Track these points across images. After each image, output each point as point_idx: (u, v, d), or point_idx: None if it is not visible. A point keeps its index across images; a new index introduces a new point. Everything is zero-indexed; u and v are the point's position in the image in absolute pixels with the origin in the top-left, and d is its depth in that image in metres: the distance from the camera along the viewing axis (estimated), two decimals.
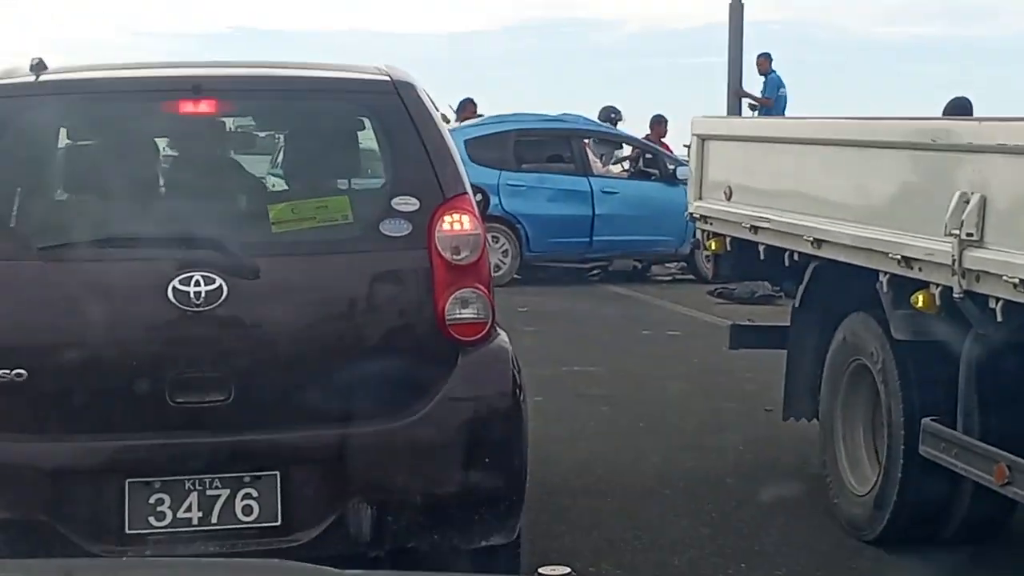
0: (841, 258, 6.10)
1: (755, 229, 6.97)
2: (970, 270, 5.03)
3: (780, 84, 19.64)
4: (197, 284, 4.97)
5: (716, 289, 14.80)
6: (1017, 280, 4.74)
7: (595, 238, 16.39)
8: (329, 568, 2.19)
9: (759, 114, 19.24)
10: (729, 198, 7.33)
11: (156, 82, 5.96)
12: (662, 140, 18.92)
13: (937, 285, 5.32)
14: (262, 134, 7.21)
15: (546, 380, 9.83)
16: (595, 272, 17.28)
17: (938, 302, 5.36)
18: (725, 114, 17.76)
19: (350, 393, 5.10)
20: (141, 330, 5.13)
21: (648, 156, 17.44)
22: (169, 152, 6.41)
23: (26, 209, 5.38)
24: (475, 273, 5.29)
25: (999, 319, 4.99)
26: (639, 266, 17.27)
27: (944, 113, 10.73)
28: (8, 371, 4.93)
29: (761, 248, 7.00)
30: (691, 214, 8.09)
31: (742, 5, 19.49)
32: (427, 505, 5.18)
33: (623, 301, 15.18)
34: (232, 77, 6.05)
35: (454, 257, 5.18)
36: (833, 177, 6.35)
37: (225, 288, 4.99)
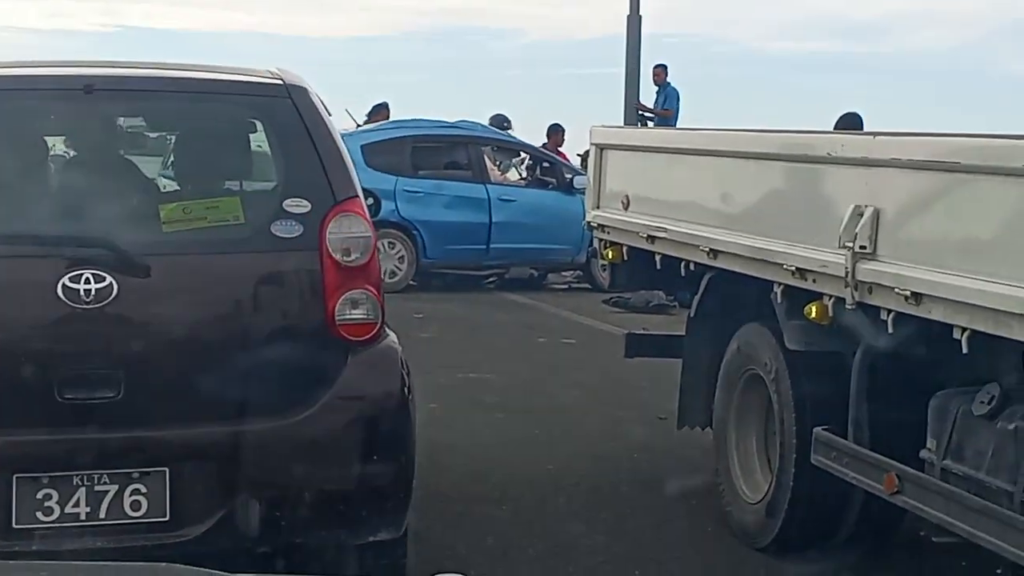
0: (736, 268, 6.15)
1: (652, 239, 6.98)
2: (863, 282, 5.10)
3: (678, 96, 19.80)
4: (87, 282, 4.97)
5: (611, 298, 14.86)
6: (909, 292, 4.81)
7: (492, 245, 16.37)
8: (217, 572, 2.14)
9: (655, 125, 19.33)
10: (626, 208, 7.34)
11: (47, 80, 5.93)
12: (559, 149, 18.92)
13: (830, 296, 5.38)
14: (154, 135, 7.15)
15: (441, 387, 9.84)
16: (491, 279, 17.26)
17: (831, 313, 5.42)
18: (623, 124, 17.90)
19: (240, 391, 5.14)
20: (30, 327, 5.15)
21: (545, 165, 17.47)
22: (61, 151, 6.44)
23: None
24: (365, 275, 5.35)
25: (890, 330, 5.06)
26: (535, 274, 17.27)
27: (836, 127, 10.86)
28: None
29: (658, 258, 7.02)
30: (588, 223, 8.07)
31: (640, 18, 19.63)
32: (315, 501, 5.22)
33: (519, 309, 15.20)
34: (124, 77, 6.00)
35: (344, 259, 5.26)
36: (730, 188, 6.41)
37: (115, 286, 5.00)
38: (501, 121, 19.55)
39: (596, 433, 8.70)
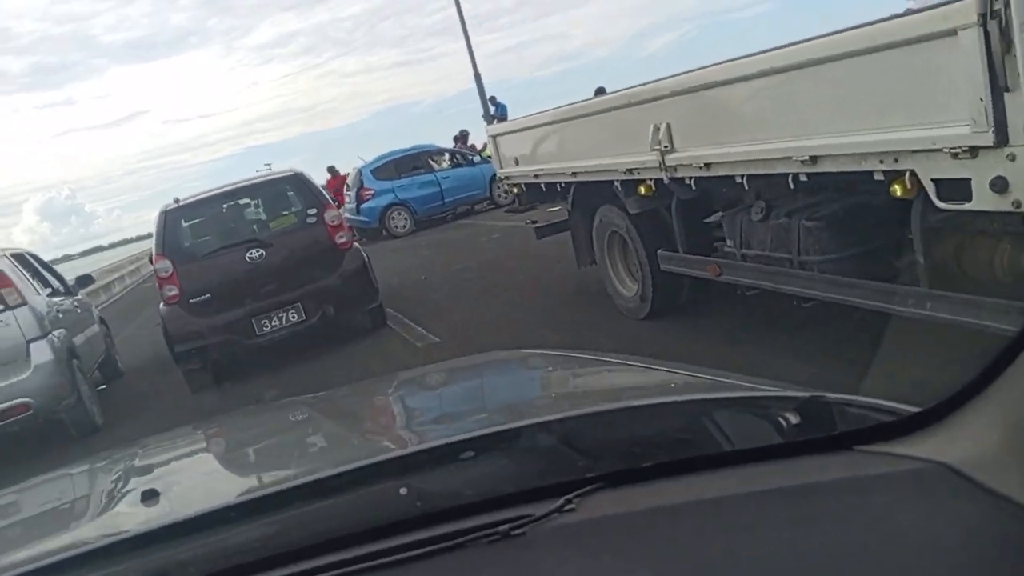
0: (590, 179, 5.02)
1: (536, 176, 5.83)
2: (670, 166, 4.02)
3: (504, 106, 17.94)
4: (255, 251, 6.39)
5: (508, 209, 13.64)
6: (702, 164, 3.75)
7: (445, 200, 14.95)
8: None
9: (496, 119, 17.63)
10: (518, 164, 6.16)
11: (220, 193, 7.09)
12: (467, 145, 17.32)
13: (651, 179, 4.31)
14: (254, 201, 7.81)
15: (438, 271, 9.17)
16: (449, 217, 15.67)
17: (653, 189, 4.35)
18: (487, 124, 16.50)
19: (312, 274, 6.35)
20: (238, 271, 6.31)
21: (459, 155, 15.95)
22: (227, 212, 7.22)
23: (191, 245, 6.72)
24: (342, 227, 6.74)
25: (693, 188, 4.02)
26: (468, 208, 15.59)
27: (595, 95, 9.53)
28: (205, 296, 6.23)
29: (542, 185, 5.86)
30: (498, 177, 6.92)
31: (480, 74, 17.68)
32: (349, 298, 6.51)
33: (466, 228, 13.84)
34: (244, 185, 7.31)
35: (331, 224, 6.56)
36: (573, 138, 5.16)
37: (264, 251, 6.38)
38: (463, 131, 17.50)
39: (528, 275, 7.57)
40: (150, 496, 1.11)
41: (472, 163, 15.36)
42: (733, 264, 3.96)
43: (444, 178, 14.98)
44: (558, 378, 1.59)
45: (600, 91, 10.27)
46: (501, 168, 6.50)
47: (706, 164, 3.71)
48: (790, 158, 3.13)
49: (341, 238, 6.53)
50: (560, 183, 5.55)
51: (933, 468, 0.81)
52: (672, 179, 4.05)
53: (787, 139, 3.15)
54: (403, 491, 0.88)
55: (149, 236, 7.15)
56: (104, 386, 7.55)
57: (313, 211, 6.58)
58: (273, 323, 6.24)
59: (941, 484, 0.80)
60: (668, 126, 3.93)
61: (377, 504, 0.90)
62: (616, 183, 4.68)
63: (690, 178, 3.94)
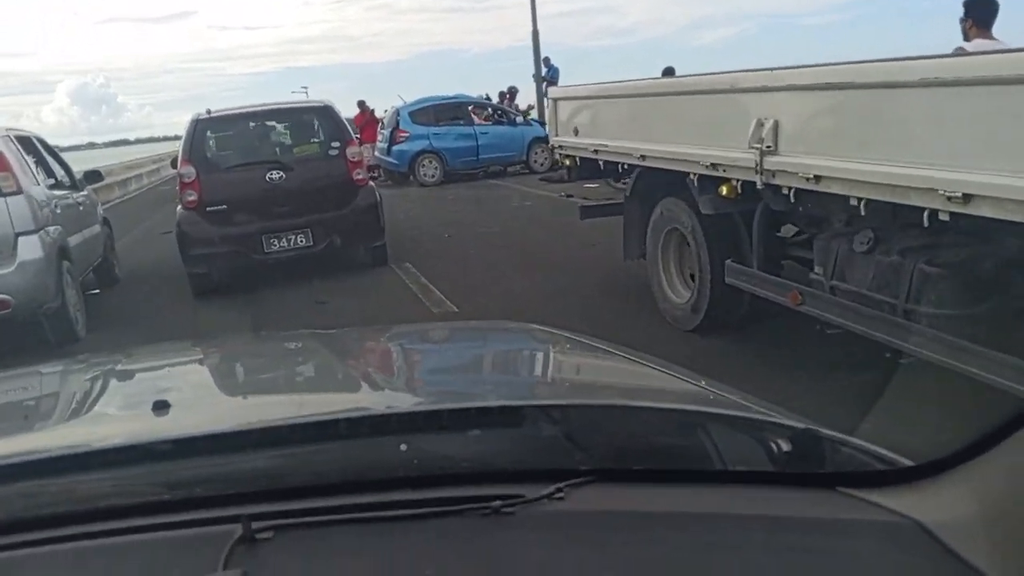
0: (660, 166, 4.44)
1: (596, 151, 5.25)
2: (768, 170, 3.45)
3: (556, 69, 17.06)
4: (275, 173, 6.59)
5: (541, 176, 13.10)
6: (811, 175, 3.19)
7: (480, 156, 14.26)
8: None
9: (546, 85, 16.76)
10: (576, 134, 5.58)
11: (256, 111, 7.39)
12: (513, 103, 16.57)
13: (738, 180, 3.74)
14: (282, 125, 8.00)
15: (464, 230, 8.74)
16: (480, 174, 14.98)
17: (738, 192, 3.79)
18: (535, 87, 15.84)
19: (325, 203, 6.54)
20: (259, 191, 6.50)
21: (500, 112, 15.20)
22: (253, 130, 7.49)
23: (216, 156, 7.01)
24: (361, 164, 6.95)
25: (791, 200, 3.45)
26: (501, 169, 14.96)
27: (662, 75, 8.77)
28: (221, 207, 6.43)
29: (601, 162, 5.28)
30: (551, 146, 6.29)
31: (538, 32, 16.93)
32: (356, 234, 6.76)
33: (497, 188, 13.23)
34: (275, 108, 7.54)
35: (352, 159, 6.76)
36: (653, 116, 4.53)
37: (284, 174, 6.58)
38: (515, 91, 16.64)
39: (562, 254, 7.01)
40: (161, 407, 1.08)
41: (514, 123, 14.72)
42: (819, 295, 3.42)
43: (483, 133, 14.32)
44: (564, 361, 1.59)
45: (668, 71, 9.54)
46: (556, 135, 5.91)
47: (816, 176, 3.15)
48: (935, 191, 2.58)
49: (358, 174, 6.76)
50: (623, 164, 4.98)
51: (908, 525, 0.83)
52: (767, 185, 3.48)
53: (934, 167, 2.59)
54: (403, 447, 0.89)
55: (176, 138, 7.60)
56: (96, 291, 7.13)
57: (336, 144, 6.81)
58: (281, 243, 6.47)
59: (913, 542, 0.82)
60: (776, 123, 3.36)
61: (376, 456, 0.91)
62: (692, 176, 4.11)
63: (790, 188, 3.37)
